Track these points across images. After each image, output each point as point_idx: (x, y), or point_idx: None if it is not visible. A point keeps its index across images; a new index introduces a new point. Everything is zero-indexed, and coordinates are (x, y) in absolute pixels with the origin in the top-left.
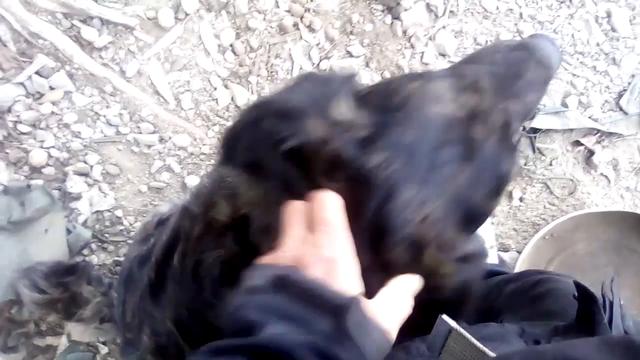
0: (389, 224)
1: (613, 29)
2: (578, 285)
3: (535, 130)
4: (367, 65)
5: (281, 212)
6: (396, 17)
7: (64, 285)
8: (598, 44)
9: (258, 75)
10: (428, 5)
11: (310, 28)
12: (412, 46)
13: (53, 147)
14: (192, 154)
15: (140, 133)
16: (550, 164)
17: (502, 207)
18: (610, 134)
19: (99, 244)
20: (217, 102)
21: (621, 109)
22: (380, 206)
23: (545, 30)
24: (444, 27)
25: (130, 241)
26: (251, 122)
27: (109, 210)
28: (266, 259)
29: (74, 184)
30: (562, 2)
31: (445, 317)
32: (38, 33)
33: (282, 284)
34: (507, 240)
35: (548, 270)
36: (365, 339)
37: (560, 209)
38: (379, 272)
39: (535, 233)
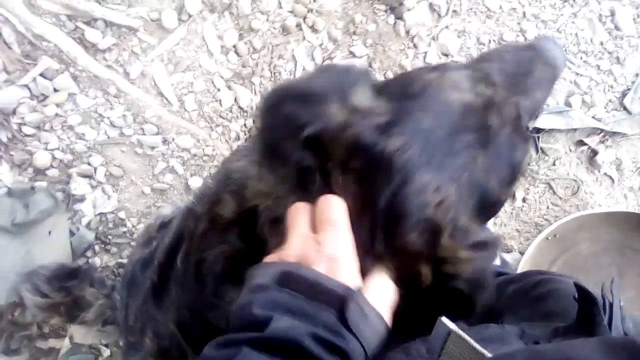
0: (405, 207)
1: (617, 28)
2: (578, 287)
3: (538, 130)
4: (370, 65)
5: (287, 213)
6: (399, 17)
7: (67, 289)
8: (602, 43)
9: (261, 76)
10: (431, 5)
11: (313, 28)
12: (415, 46)
13: (57, 149)
14: (195, 155)
15: (144, 134)
16: (554, 164)
17: (504, 208)
18: (614, 133)
19: (102, 245)
20: (220, 103)
21: (625, 109)
22: (396, 190)
23: (548, 29)
24: (447, 26)
25: (133, 243)
26: (272, 106)
27: (112, 212)
28: (271, 258)
29: (78, 186)
30: (565, 1)
31: (444, 319)
32: (42, 35)
33: (286, 280)
34: (509, 241)
35: (550, 270)
36: (365, 327)
37: (563, 209)
38: (393, 259)
39: (538, 234)
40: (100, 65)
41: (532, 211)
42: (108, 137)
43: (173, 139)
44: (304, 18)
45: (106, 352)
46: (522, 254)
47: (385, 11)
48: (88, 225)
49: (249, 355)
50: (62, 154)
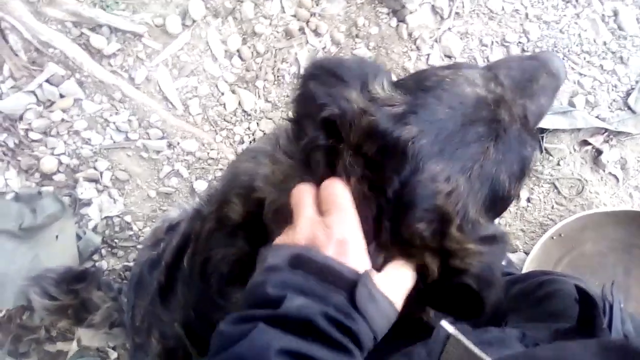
0: (414, 196)
1: (620, 28)
2: (579, 289)
3: (542, 131)
4: None
5: (291, 194)
6: (401, 20)
7: (74, 292)
8: (605, 43)
9: (265, 80)
10: (433, 8)
11: (316, 32)
12: (417, 48)
13: (63, 154)
14: (200, 158)
15: (149, 139)
16: (558, 164)
17: (509, 208)
18: (618, 132)
19: (109, 249)
20: (224, 107)
21: (629, 108)
22: (407, 179)
23: (551, 30)
24: (449, 28)
25: (139, 246)
26: (305, 78)
27: (118, 216)
28: (281, 239)
29: (84, 190)
30: (568, 2)
31: (444, 322)
32: (48, 42)
33: (298, 262)
34: (515, 241)
35: (554, 271)
36: (374, 309)
37: (568, 209)
38: (399, 250)
39: (543, 233)
40: (105, 70)
41: (537, 211)
42: (114, 142)
43: (178, 143)
44: (307, 22)
45: (113, 355)
46: (527, 253)
47: (388, 14)
48: (95, 229)
49: (265, 331)
50: (68, 158)
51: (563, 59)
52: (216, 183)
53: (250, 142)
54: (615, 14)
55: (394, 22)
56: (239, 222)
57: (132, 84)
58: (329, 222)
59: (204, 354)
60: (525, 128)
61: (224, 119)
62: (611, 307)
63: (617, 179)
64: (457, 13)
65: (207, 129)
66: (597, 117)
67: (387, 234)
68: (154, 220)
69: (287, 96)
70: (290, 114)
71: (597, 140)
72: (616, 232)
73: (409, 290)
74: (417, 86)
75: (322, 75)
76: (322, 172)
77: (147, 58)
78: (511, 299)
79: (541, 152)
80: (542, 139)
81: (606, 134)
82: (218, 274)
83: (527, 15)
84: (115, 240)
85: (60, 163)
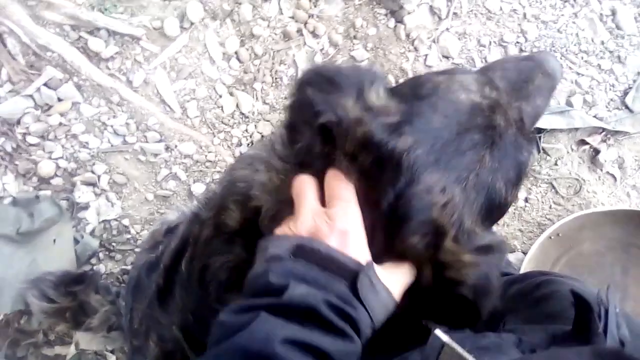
0: (409, 209)
1: (618, 27)
2: (574, 294)
3: (540, 130)
4: None
5: (292, 184)
6: (399, 21)
7: (73, 294)
8: (603, 43)
9: (263, 82)
10: (431, 8)
11: (314, 34)
12: (415, 49)
13: (61, 157)
14: (197, 161)
15: (147, 142)
16: (556, 164)
17: None
18: (616, 132)
19: (107, 253)
20: (222, 109)
21: (627, 107)
22: (402, 191)
23: (549, 30)
24: (447, 29)
25: (137, 249)
26: (301, 85)
27: (116, 220)
28: (283, 230)
29: (82, 194)
30: (566, 1)
31: (438, 331)
32: (46, 45)
33: (300, 252)
34: (512, 241)
35: (552, 271)
36: (374, 299)
37: (565, 208)
38: (394, 259)
39: (541, 233)
40: (103, 74)
41: (535, 211)
42: (111, 145)
43: (176, 146)
44: (305, 23)
45: (112, 358)
46: (525, 253)
47: (386, 15)
48: (92, 233)
49: (267, 319)
50: (66, 162)
51: (561, 58)
52: (214, 186)
53: (248, 144)
54: (613, 13)
55: (391, 23)
56: (236, 229)
57: (130, 87)
58: (331, 214)
59: None
60: (521, 132)
61: (222, 122)
62: (607, 311)
63: (615, 179)
64: (455, 13)
65: (205, 131)
66: (594, 116)
67: (381, 245)
68: (151, 224)
69: (285, 98)
70: (285, 119)
71: (594, 140)
72: (614, 232)
73: (407, 285)
74: (413, 94)
75: (319, 82)
76: (317, 171)
77: (145, 61)
78: (509, 300)
79: (539, 152)
80: (540, 139)
81: (604, 133)
82: (216, 281)
83: (525, 15)
84: (113, 244)
85: (58, 167)
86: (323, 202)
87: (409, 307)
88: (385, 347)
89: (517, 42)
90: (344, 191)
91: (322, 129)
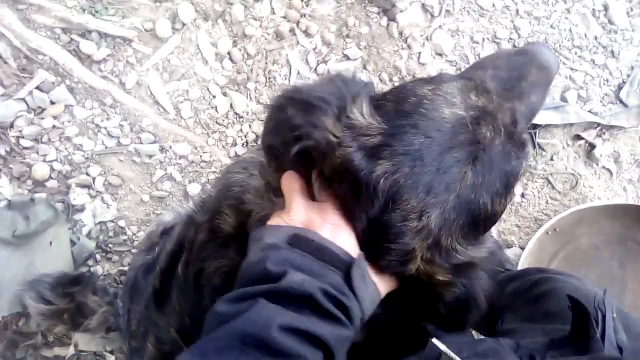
0: (384, 234)
1: (610, 22)
2: (571, 299)
3: (535, 126)
4: (364, 67)
5: (281, 181)
6: (392, 19)
7: (70, 296)
8: (596, 38)
9: (256, 82)
10: (424, 6)
11: (307, 33)
12: (408, 47)
13: (55, 160)
14: (192, 162)
15: (141, 143)
16: (551, 159)
17: None
18: (611, 126)
19: (103, 254)
20: (216, 109)
21: (621, 102)
22: (376, 216)
23: (542, 25)
24: (440, 26)
25: (134, 250)
26: (277, 108)
27: (112, 221)
28: (277, 221)
29: (77, 196)
30: None
31: (435, 340)
32: (37, 49)
33: (296, 242)
34: (509, 236)
35: (550, 268)
36: (365, 291)
37: (562, 203)
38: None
39: (538, 228)
40: (95, 76)
41: (531, 206)
42: (105, 147)
43: (170, 147)
44: (297, 23)
45: (111, 359)
46: (522, 249)
47: (378, 13)
48: (89, 235)
49: (266, 305)
50: (60, 165)
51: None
52: (209, 187)
53: (243, 144)
54: (606, 8)
55: (384, 21)
56: (230, 234)
57: (122, 89)
58: (323, 207)
59: None
60: (510, 138)
61: (216, 122)
62: (604, 316)
63: (611, 173)
64: (447, 11)
65: (199, 132)
66: (589, 111)
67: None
68: (147, 225)
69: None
70: (263, 141)
71: (590, 135)
72: (611, 226)
73: (391, 288)
74: (396, 109)
75: (297, 103)
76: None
77: (138, 63)
78: (507, 297)
79: (534, 147)
80: (535, 135)
81: (599, 128)
82: (211, 286)
83: (517, 11)
84: (110, 245)
85: (53, 169)
86: (311, 197)
87: (401, 309)
88: (382, 352)
89: (510, 39)
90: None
91: (302, 153)
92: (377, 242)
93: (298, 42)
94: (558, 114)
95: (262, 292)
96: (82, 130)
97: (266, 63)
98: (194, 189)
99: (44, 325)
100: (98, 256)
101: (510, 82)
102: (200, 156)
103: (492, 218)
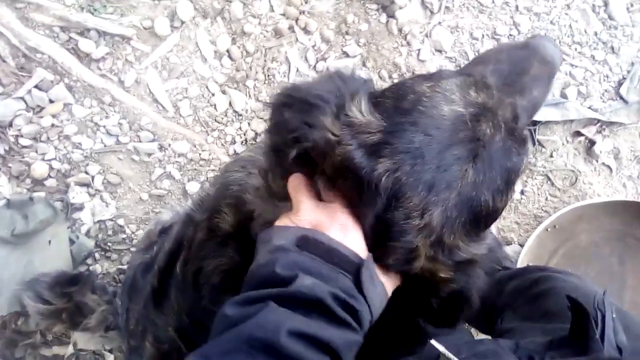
0: (387, 232)
1: (611, 18)
2: (571, 300)
3: (534, 123)
4: (364, 64)
5: (288, 184)
6: (391, 16)
7: (68, 295)
8: (596, 34)
9: (255, 80)
10: (423, 2)
11: (306, 30)
12: (408, 44)
13: (54, 159)
14: (192, 160)
15: (140, 141)
16: (551, 156)
17: None
18: (611, 123)
19: (102, 253)
20: (215, 107)
21: (621, 98)
22: (381, 214)
23: (542, 21)
24: (439, 23)
25: (133, 249)
26: (277, 107)
27: (111, 219)
28: (285, 222)
29: (76, 195)
30: None
31: (433, 342)
32: (36, 47)
33: (305, 244)
34: (509, 233)
35: (550, 266)
36: (374, 293)
37: (562, 200)
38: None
39: (538, 225)
40: (94, 74)
41: (531, 203)
42: (104, 146)
43: (169, 145)
44: (296, 20)
45: (110, 358)
46: (522, 246)
47: (377, 10)
48: (87, 233)
49: (275, 309)
50: (59, 164)
51: None
52: (208, 186)
53: (242, 142)
54: (606, 3)
55: (383, 17)
56: (229, 232)
57: (121, 87)
58: (331, 207)
59: None
60: (511, 133)
61: (215, 120)
62: (603, 316)
63: (611, 170)
64: (446, 7)
65: (198, 130)
66: (589, 108)
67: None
68: (146, 223)
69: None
70: (266, 143)
71: (589, 131)
72: (611, 223)
73: (395, 285)
74: (395, 107)
75: (295, 103)
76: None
77: (136, 61)
78: (507, 295)
79: (534, 144)
80: (535, 131)
81: (599, 124)
82: (210, 285)
83: (517, 7)
84: (109, 244)
85: (51, 168)
86: (318, 198)
87: (397, 306)
88: (380, 348)
89: (510, 35)
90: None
91: (299, 155)
92: (382, 241)
93: (297, 39)
94: (558, 111)
95: (272, 296)
96: (81, 128)
97: (265, 61)
98: (193, 187)
99: (42, 324)
100: (97, 255)
101: (512, 77)
102: (199, 154)
103: (493, 215)
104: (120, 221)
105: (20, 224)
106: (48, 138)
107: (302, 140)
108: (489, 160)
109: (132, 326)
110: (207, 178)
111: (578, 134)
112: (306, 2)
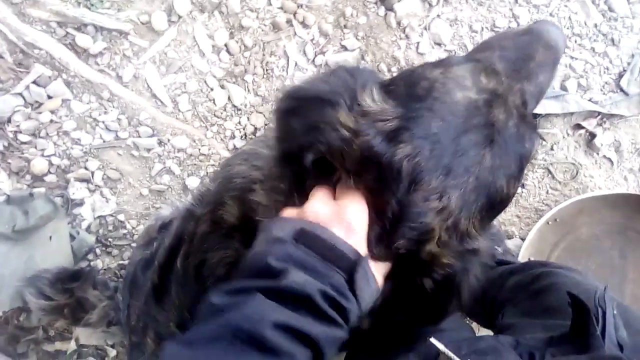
0: (405, 213)
1: (610, 9)
2: (571, 296)
3: (535, 116)
4: (362, 58)
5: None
6: (389, 9)
7: (70, 291)
8: (596, 25)
9: (254, 74)
10: None
11: (304, 24)
12: (407, 37)
13: (54, 155)
14: (191, 155)
15: (139, 137)
16: (552, 149)
17: None
18: (612, 115)
19: (103, 248)
20: (214, 102)
21: (622, 90)
22: (403, 196)
23: (541, 13)
24: (438, 15)
25: (133, 245)
26: (284, 112)
27: (111, 215)
28: (290, 213)
29: (76, 191)
30: None
31: (433, 340)
32: (33, 43)
33: (302, 238)
34: (510, 227)
35: (552, 262)
36: (366, 290)
37: (563, 193)
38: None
39: (539, 219)
40: (92, 70)
41: (532, 196)
42: (104, 141)
43: (169, 140)
44: (294, 14)
45: (112, 353)
46: (523, 239)
47: (376, 3)
48: (88, 229)
49: (262, 301)
50: (59, 159)
51: None
52: (208, 181)
53: (242, 136)
54: None
55: (382, 11)
56: (234, 224)
57: (119, 83)
58: (342, 204)
59: None
60: (523, 118)
61: (214, 115)
62: (604, 313)
63: (612, 162)
64: (445, 0)
65: (198, 125)
66: (589, 100)
67: (373, 239)
68: (147, 218)
69: (277, 89)
70: (275, 152)
71: (590, 124)
72: (612, 216)
73: (385, 275)
74: (408, 94)
75: (303, 105)
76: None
77: (134, 56)
78: (508, 290)
79: None
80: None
81: (599, 117)
82: (215, 277)
83: None
84: (109, 239)
85: (51, 164)
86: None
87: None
88: (379, 346)
89: (510, 27)
90: (353, 192)
91: (314, 163)
92: (398, 223)
93: (295, 33)
94: (558, 103)
95: (260, 288)
96: (80, 124)
97: (264, 55)
98: (193, 182)
99: (45, 320)
100: (98, 250)
101: (518, 63)
102: (199, 149)
103: (505, 202)
104: (121, 217)
105: (21, 220)
106: (47, 134)
107: (316, 143)
108: (504, 146)
109: (134, 322)
110: (207, 173)
111: (578, 126)
112: None
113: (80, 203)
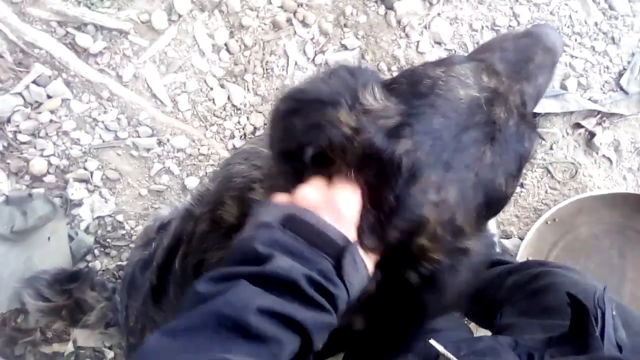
0: (401, 205)
1: (611, 8)
2: (570, 296)
3: (534, 115)
4: (362, 57)
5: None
6: (390, 7)
7: (68, 292)
8: (596, 24)
9: (254, 73)
10: None
11: (304, 23)
12: (407, 36)
13: (53, 155)
14: (190, 155)
15: (139, 137)
16: (551, 148)
17: None
18: (611, 114)
19: (102, 249)
20: (213, 102)
21: (622, 89)
22: (401, 190)
23: (541, 12)
24: (438, 14)
25: (132, 245)
26: (284, 113)
27: (110, 215)
28: (281, 198)
29: (75, 191)
30: None
31: (432, 341)
32: (33, 42)
33: (290, 223)
34: (509, 227)
35: (550, 261)
36: (354, 277)
37: (562, 193)
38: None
39: (538, 218)
40: (92, 69)
41: (531, 196)
42: (103, 141)
43: (168, 140)
44: (294, 13)
45: (110, 354)
46: (521, 239)
47: (376, 2)
48: (87, 230)
49: (246, 287)
50: (58, 159)
51: None
52: (207, 181)
53: (241, 136)
54: None
55: (382, 9)
56: (233, 224)
57: (119, 82)
58: (334, 191)
59: None
60: (523, 118)
61: (214, 114)
62: (603, 313)
63: (611, 162)
64: None
65: (197, 124)
66: (589, 99)
67: (365, 230)
68: (146, 219)
69: (277, 89)
70: (272, 149)
71: (589, 123)
72: (611, 215)
73: (378, 261)
74: (411, 91)
75: (304, 106)
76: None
77: (134, 55)
78: (506, 290)
79: None
80: None
81: (599, 116)
82: None
83: None
84: (108, 240)
85: (50, 164)
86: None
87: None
88: (379, 346)
89: (510, 26)
90: (348, 182)
91: (314, 158)
92: (393, 214)
93: (295, 32)
94: (558, 102)
95: (245, 274)
96: (80, 124)
97: (263, 54)
98: (192, 183)
99: (42, 321)
100: (96, 251)
101: (518, 64)
102: (198, 149)
103: (503, 201)
104: (120, 217)
105: (20, 220)
106: (46, 134)
107: (317, 140)
108: (504, 144)
109: (132, 323)
110: (206, 173)
111: (578, 125)
112: None
113: (79, 203)
